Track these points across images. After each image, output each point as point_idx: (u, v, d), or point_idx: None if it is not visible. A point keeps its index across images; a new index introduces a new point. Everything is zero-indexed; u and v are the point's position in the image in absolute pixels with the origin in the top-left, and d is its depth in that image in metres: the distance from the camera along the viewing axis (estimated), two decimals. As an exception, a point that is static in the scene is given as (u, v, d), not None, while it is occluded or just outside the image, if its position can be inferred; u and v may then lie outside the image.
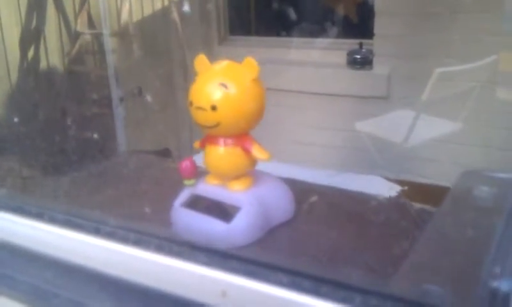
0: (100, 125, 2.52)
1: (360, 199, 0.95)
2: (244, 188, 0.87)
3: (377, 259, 0.78)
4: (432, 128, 2.39)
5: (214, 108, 0.81)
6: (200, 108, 0.83)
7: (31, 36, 2.42)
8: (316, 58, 2.72)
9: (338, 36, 2.61)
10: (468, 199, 0.76)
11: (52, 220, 0.62)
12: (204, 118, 0.83)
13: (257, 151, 0.84)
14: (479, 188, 0.73)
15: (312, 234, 0.85)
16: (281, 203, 0.90)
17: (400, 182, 2.22)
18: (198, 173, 0.92)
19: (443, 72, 2.22)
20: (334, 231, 0.85)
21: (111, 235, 0.58)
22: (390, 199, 0.93)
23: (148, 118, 2.43)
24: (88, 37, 2.61)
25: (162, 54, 2.69)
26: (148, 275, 0.54)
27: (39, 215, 0.63)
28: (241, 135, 0.86)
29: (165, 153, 1.99)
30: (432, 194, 2.03)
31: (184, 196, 0.91)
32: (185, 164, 0.90)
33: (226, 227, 0.83)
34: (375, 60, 2.62)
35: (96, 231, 0.58)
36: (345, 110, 2.66)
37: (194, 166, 0.91)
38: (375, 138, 2.48)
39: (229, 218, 0.83)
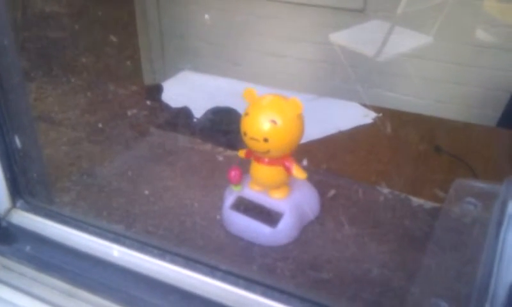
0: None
1: (370, 194, 1.31)
2: (283, 196, 1.21)
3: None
4: (404, 43, 2.71)
5: (265, 140, 1.12)
6: (253, 138, 1.13)
7: None
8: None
9: None
10: (459, 212, 1.09)
11: (172, 261, 0.95)
12: (257, 146, 1.13)
13: (296, 171, 1.17)
14: (468, 200, 1.08)
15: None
16: (312, 204, 1.25)
17: (374, 108, 2.60)
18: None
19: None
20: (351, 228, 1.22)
21: (223, 278, 0.92)
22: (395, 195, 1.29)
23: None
24: None
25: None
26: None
27: (161, 256, 0.95)
28: (283, 156, 1.18)
29: (157, 90, 2.23)
30: (403, 120, 2.41)
31: (231, 198, 1.24)
32: (234, 173, 1.22)
33: (272, 231, 1.18)
34: (353, -31, 2.81)
35: (212, 274, 0.92)
36: (320, 21, 2.89)
37: (241, 174, 1.23)
38: (348, 51, 2.78)
39: (274, 223, 1.18)
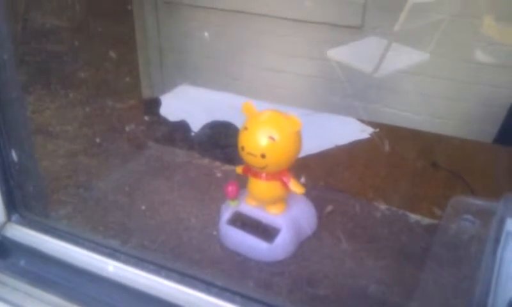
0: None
1: (367, 209, 1.30)
2: (280, 211, 1.20)
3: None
4: (401, 59, 2.71)
5: (263, 155, 1.11)
6: (251, 154, 1.12)
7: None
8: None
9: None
10: (457, 229, 1.08)
11: (168, 277, 0.93)
12: (254, 161, 1.13)
13: (294, 186, 1.16)
14: (466, 217, 1.07)
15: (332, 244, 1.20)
16: (309, 220, 1.24)
17: (372, 124, 2.60)
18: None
19: (417, 3, 2.51)
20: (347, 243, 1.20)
21: (218, 295, 0.91)
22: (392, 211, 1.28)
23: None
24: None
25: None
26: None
27: (156, 272, 0.94)
28: (281, 171, 1.17)
29: (156, 104, 2.23)
30: (400, 136, 2.41)
31: (228, 213, 1.23)
32: (231, 188, 1.21)
33: (269, 246, 1.17)
34: (351, -14, 2.82)
35: (208, 291, 0.91)
36: (318, 38, 2.90)
37: (238, 189, 1.22)
38: (346, 67, 2.78)
39: (271, 238, 1.17)
